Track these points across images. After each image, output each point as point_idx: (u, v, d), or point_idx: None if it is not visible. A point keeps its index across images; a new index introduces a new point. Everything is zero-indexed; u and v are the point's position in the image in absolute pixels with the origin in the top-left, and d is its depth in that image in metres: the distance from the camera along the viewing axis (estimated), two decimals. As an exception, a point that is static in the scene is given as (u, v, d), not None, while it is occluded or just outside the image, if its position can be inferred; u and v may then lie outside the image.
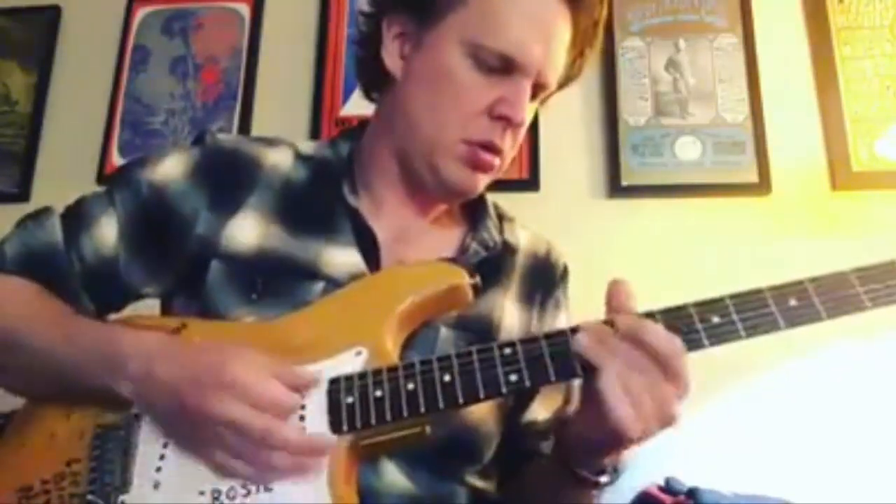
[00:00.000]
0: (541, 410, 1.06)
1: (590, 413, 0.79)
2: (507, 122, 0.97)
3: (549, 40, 0.98)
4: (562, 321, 1.11)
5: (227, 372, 0.77)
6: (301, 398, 0.80)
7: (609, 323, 0.79)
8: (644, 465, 1.35)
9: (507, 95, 0.96)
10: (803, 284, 0.80)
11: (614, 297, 0.81)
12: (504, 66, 0.96)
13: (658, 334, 0.76)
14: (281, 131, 2.00)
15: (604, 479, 0.87)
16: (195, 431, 0.79)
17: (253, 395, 0.77)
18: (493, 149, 0.98)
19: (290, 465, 0.77)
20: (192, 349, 0.83)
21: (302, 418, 0.80)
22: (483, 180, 1.02)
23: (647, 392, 0.75)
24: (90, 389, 0.85)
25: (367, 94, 1.12)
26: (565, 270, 1.15)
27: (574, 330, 0.80)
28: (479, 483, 0.99)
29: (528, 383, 0.79)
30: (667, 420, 0.76)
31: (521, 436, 1.04)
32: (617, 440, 0.78)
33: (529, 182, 1.93)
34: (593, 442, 0.82)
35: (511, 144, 1.00)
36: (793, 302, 0.78)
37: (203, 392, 0.77)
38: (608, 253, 1.83)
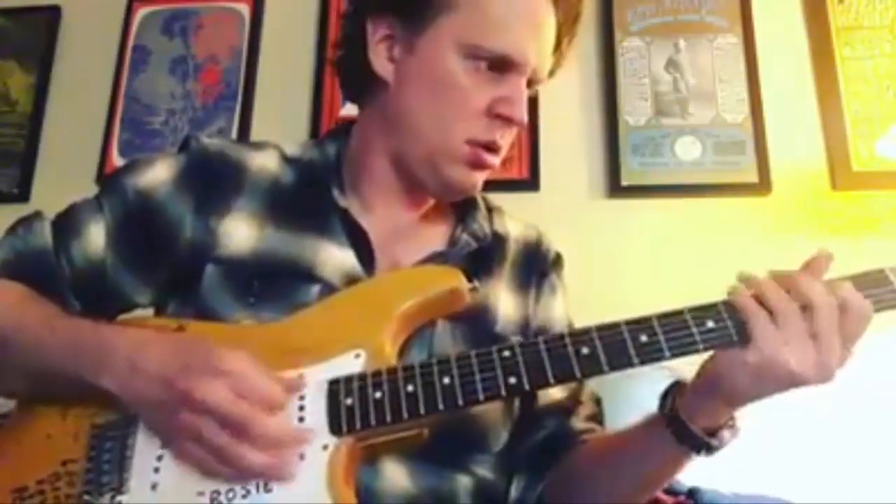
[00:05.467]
0: (556, 390, 1.05)
1: (748, 368, 0.79)
2: (509, 121, 0.97)
3: (540, 36, 0.99)
4: (559, 306, 1.12)
5: (220, 359, 0.78)
6: (288, 398, 0.80)
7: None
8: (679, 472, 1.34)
9: (506, 95, 0.97)
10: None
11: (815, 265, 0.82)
12: (501, 66, 0.96)
13: (854, 294, 0.79)
14: (281, 131, 2.03)
15: (715, 442, 0.86)
16: (177, 421, 0.77)
17: (244, 384, 0.77)
18: (494, 148, 0.99)
19: (264, 464, 0.76)
20: (181, 340, 0.84)
21: (301, 420, 0.80)
22: (481, 178, 1.02)
23: (812, 337, 0.78)
24: (75, 386, 0.84)
25: (350, 96, 1.12)
26: (558, 257, 1.16)
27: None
28: (488, 474, 0.98)
29: (527, 386, 0.80)
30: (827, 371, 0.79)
31: (544, 417, 1.04)
32: (788, 381, 0.79)
33: (529, 182, 1.94)
34: (758, 386, 0.81)
35: (508, 141, 1.02)
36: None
37: (193, 377, 0.76)
38: (608, 253, 1.83)
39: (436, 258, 1.01)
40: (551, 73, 1.05)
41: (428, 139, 0.99)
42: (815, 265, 0.82)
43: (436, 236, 1.06)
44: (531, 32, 0.97)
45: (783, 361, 0.77)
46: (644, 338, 0.80)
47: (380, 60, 1.01)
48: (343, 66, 1.09)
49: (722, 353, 0.81)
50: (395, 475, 0.89)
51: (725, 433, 0.85)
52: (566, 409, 1.05)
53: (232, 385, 0.76)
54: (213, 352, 0.79)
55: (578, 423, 1.05)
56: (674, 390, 0.88)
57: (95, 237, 0.97)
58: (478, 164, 0.99)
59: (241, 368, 0.78)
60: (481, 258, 1.05)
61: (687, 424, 0.85)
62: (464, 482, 0.96)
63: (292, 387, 0.81)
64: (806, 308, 0.78)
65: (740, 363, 0.79)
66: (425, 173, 1.00)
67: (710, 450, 0.85)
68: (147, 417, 0.82)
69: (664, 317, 0.80)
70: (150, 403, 0.80)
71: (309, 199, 1.02)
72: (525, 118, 0.98)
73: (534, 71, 0.98)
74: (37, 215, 1.01)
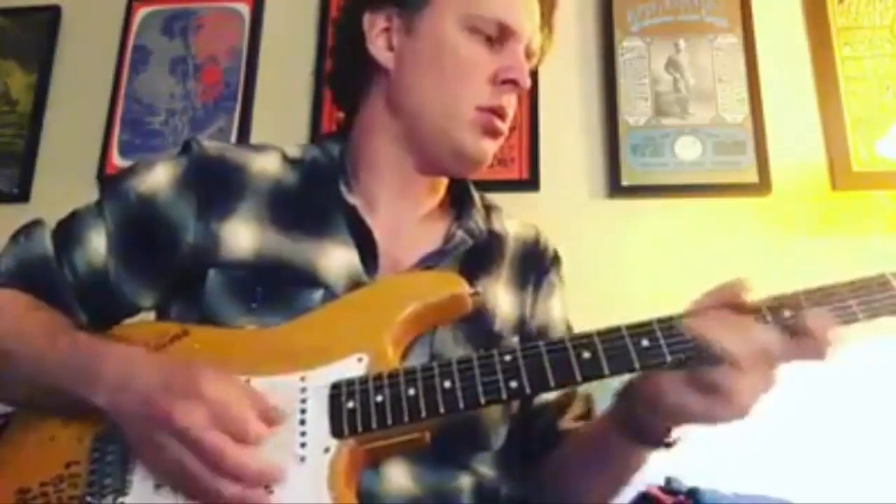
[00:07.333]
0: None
1: (702, 390, 0.78)
2: (515, 85, 1.01)
3: (528, 7, 1.05)
4: (556, 306, 1.12)
5: (201, 384, 0.77)
6: (269, 431, 0.79)
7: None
8: (644, 465, 1.35)
9: (508, 63, 1.01)
10: (797, 297, 0.80)
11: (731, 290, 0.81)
12: (500, 35, 1.01)
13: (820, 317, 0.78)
14: (281, 131, 2.03)
15: (672, 438, 0.87)
16: (157, 441, 0.77)
17: (224, 413, 0.76)
18: (502, 114, 1.02)
19: (234, 496, 0.74)
20: (169, 361, 0.83)
21: (303, 422, 0.81)
22: (492, 149, 1.05)
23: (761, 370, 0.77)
24: (70, 401, 0.84)
25: (347, 101, 1.13)
26: (556, 256, 1.17)
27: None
28: (488, 471, 0.99)
29: (528, 390, 0.80)
30: (770, 388, 0.79)
31: (535, 417, 1.05)
32: (733, 415, 0.79)
33: (529, 182, 1.94)
34: (695, 415, 0.81)
35: (513, 110, 1.05)
36: (787, 313, 0.79)
37: (173, 401, 0.76)
38: (608, 253, 1.83)
39: (434, 257, 1.01)
40: (541, 58, 1.10)
41: (437, 109, 1.02)
42: (730, 294, 0.80)
43: (433, 235, 1.06)
44: (520, 1, 1.04)
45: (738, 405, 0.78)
46: (645, 342, 0.80)
47: (380, 51, 1.04)
48: (343, 67, 1.12)
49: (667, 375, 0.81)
50: (397, 475, 0.89)
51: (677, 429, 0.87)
52: (557, 409, 1.06)
53: (211, 412, 0.75)
54: (200, 376, 0.78)
55: (566, 423, 1.06)
56: (625, 391, 0.89)
57: (97, 244, 0.97)
58: (489, 129, 1.02)
59: (224, 397, 0.77)
60: (479, 256, 1.06)
61: (644, 428, 0.86)
62: (466, 480, 0.96)
63: (278, 418, 0.80)
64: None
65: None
66: (438, 144, 1.03)
67: (669, 445, 0.87)
68: (130, 434, 0.81)
69: (665, 321, 0.81)
70: (133, 421, 0.79)
71: (313, 199, 1.02)
72: (528, 82, 1.02)
73: (527, 42, 1.03)
74: (38, 223, 1.01)
